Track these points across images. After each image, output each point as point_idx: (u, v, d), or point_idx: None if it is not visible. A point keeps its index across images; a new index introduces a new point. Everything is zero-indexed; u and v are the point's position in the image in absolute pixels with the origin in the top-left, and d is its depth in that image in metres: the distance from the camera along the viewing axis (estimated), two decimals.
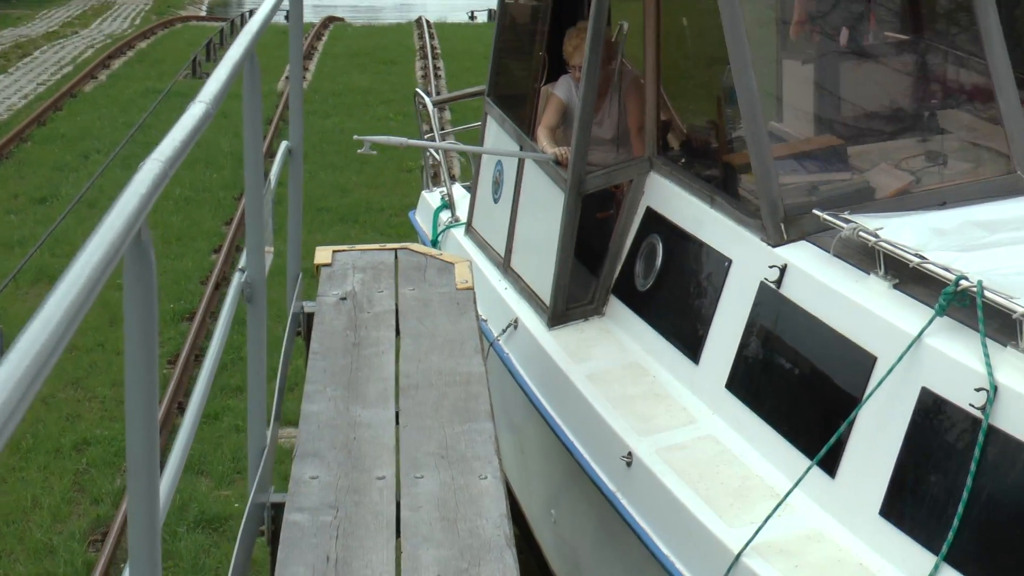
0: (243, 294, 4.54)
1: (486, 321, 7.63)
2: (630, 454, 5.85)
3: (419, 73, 25.58)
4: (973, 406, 4.75)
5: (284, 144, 6.04)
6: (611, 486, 6.01)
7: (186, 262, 12.91)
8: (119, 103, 21.36)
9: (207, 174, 16.32)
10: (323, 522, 4.57)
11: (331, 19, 36.23)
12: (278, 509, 4.85)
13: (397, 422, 5.19)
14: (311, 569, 4.32)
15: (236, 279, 4.59)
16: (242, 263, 4.72)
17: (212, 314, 11.10)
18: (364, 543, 4.52)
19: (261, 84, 4.63)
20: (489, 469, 4.89)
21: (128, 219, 2.34)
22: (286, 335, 5.87)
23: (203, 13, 42.30)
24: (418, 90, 10.68)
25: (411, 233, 10.57)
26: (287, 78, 24.10)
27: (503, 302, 7.69)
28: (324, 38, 31.56)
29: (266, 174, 5.31)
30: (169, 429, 8.59)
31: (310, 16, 38.78)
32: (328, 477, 4.81)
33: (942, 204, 5.92)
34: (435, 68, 25.62)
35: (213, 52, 25.63)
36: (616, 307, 7.06)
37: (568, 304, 7.06)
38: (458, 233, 8.92)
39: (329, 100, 22.32)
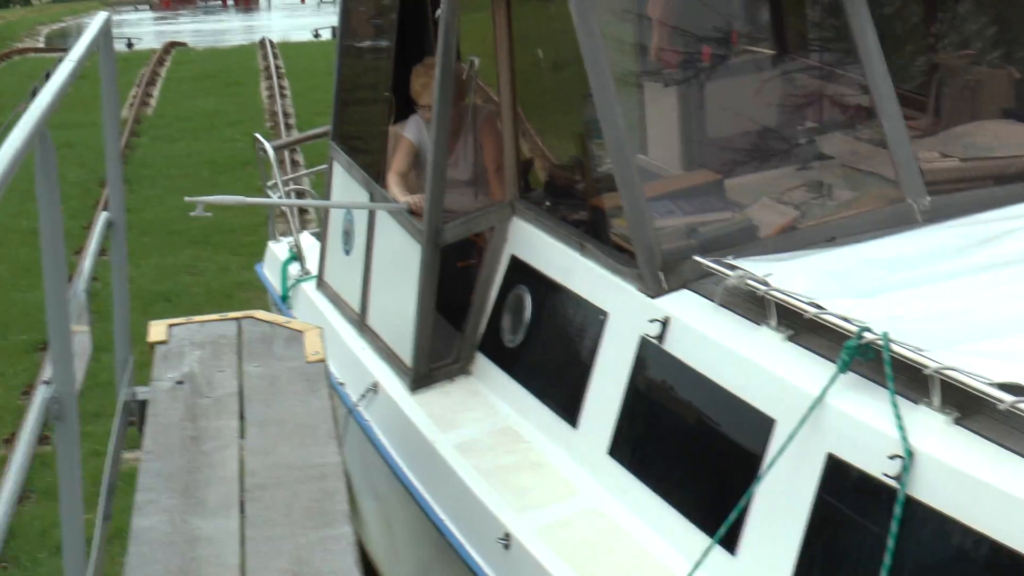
0: (49, 412, 3.99)
1: (343, 385, 7.32)
2: (507, 535, 5.51)
3: (265, 93, 26.18)
4: (887, 475, 4.38)
5: (104, 216, 5.53)
6: (488, 571, 5.70)
7: (37, 294, 13.12)
8: None
9: None
10: None
11: (172, 44, 36.21)
12: None
13: (242, 528, 4.75)
14: None
15: (40, 394, 4.02)
16: (47, 375, 4.17)
17: None
18: None
19: (56, 166, 4.09)
20: None
21: None
22: (115, 428, 5.44)
23: (41, 44, 42.03)
24: (257, 135, 10.44)
25: (262, 251, 10.60)
26: (131, 105, 23.89)
27: (361, 364, 7.33)
28: (167, 63, 32.73)
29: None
30: None
31: (151, 42, 38.25)
32: None
33: (831, 240, 5.69)
34: (280, 87, 26.14)
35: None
36: (484, 365, 6.70)
37: (431, 364, 6.72)
38: (309, 288, 8.69)
39: (175, 124, 22.79)
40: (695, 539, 5.08)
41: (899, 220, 5.73)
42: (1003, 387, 4.30)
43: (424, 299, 6.64)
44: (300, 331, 6.26)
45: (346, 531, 4.68)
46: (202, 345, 6.09)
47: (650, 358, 5.53)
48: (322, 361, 5.90)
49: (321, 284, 8.44)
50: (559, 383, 6.12)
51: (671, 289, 5.55)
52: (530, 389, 6.25)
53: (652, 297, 5.56)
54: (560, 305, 6.29)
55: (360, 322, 7.55)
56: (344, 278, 8.01)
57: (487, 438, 6.22)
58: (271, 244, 10.07)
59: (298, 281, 8.84)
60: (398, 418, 6.74)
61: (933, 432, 4.40)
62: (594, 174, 6.61)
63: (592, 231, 6.23)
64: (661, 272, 5.57)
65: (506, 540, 5.54)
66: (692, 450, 5.45)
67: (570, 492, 5.71)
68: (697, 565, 4.93)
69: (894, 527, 4.36)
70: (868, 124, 6.25)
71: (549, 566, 5.37)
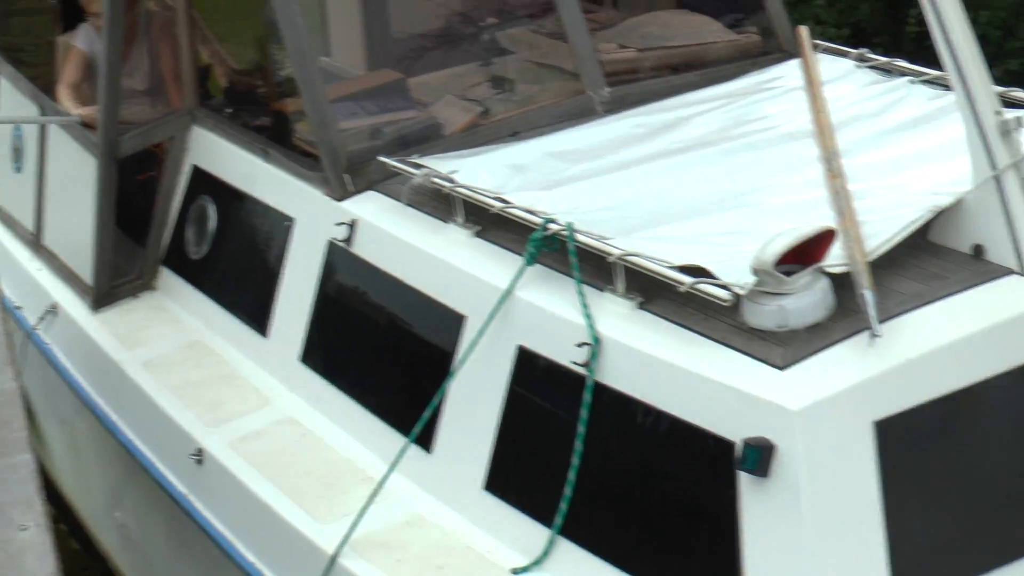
0: None
1: (21, 309, 7.22)
2: (200, 451, 5.64)
3: None
4: (576, 363, 4.65)
5: None
6: (181, 488, 5.81)
7: None
8: None
9: None
10: None
11: None
12: None
13: None
14: None
15: None
16: None
17: None
18: None
19: None
20: (31, 516, 4.47)
21: None
22: None
23: None
24: None
25: None
26: None
27: (38, 285, 7.25)
28: None
29: None
30: None
31: None
32: None
33: (515, 135, 5.91)
34: None
35: None
36: (169, 280, 6.78)
37: (113, 281, 6.71)
38: None
39: None
40: (393, 441, 5.22)
41: (580, 112, 5.96)
42: (682, 269, 4.53)
43: (103, 215, 6.58)
44: None
45: (25, 459, 4.63)
46: None
47: (339, 262, 5.68)
48: None
49: None
50: (247, 293, 6.21)
51: (358, 191, 5.67)
52: (218, 301, 6.36)
53: (338, 200, 5.65)
54: (245, 214, 6.34)
55: (35, 242, 7.41)
56: (16, 197, 7.79)
57: (175, 354, 6.30)
58: None
59: None
60: (80, 339, 6.76)
61: (618, 318, 4.69)
62: (276, 78, 6.66)
63: (275, 137, 6.31)
64: (347, 174, 5.66)
65: (199, 456, 5.58)
66: (385, 352, 5.59)
67: (263, 403, 5.86)
68: (393, 466, 5.06)
69: (584, 413, 4.63)
70: (548, 18, 6.42)
71: (244, 478, 5.43)
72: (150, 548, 6.93)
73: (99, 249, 6.73)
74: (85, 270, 6.84)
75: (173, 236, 6.84)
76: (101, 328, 6.66)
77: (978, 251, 4.95)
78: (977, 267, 4.87)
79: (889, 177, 5.45)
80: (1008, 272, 4.80)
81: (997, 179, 4.86)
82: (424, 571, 5.05)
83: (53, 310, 7.00)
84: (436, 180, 5.41)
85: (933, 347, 4.54)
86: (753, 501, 4.45)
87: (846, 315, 4.59)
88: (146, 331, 6.60)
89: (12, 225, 7.89)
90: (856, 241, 4.67)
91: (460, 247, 5.34)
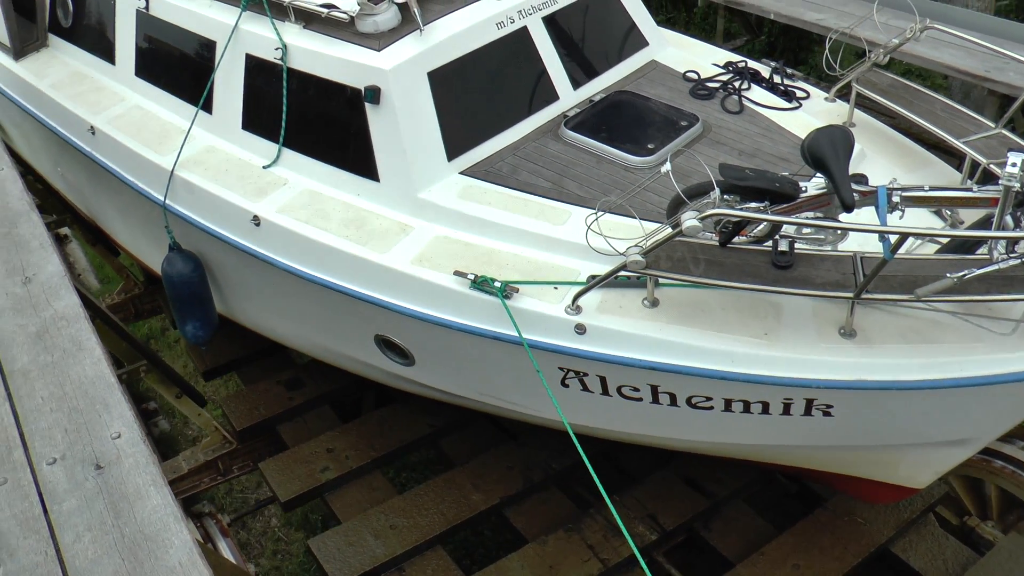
0: None
1: None
2: (92, 128, 6.73)
3: None
4: (276, 59, 5.92)
5: None
6: (87, 147, 6.86)
7: None
8: None
9: None
10: None
11: None
12: None
13: None
14: None
15: None
16: None
17: None
18: None
19: None
20: (2, 163, 5.52)
21: None
22: None
23: None
24: None
25: None
26: None
27: None
28: None
29: None
30: None
31: None
32: None
33: None
34: None
35: None
36: (54, 40, 7.78)
37: (23, 44, 7.78)
38: None
39: None
40: (189, 110, 6.46)
41: None
42: (322, 5, 5.86)
43: (6, 4, 7.78)
44: None
45: None
46: None
47: (144, 21, 6.75)
48: None
49: None
50: (99, 42, 7.24)
51: None
52: (84, 48, 7.45)
53: None
54: None
55: None
56: None
57: (66, 78, 7.40)
58: None
59: None
60: (12, 76, 7.78)
61: (295, 34, 5.95)
62: None
63: None
64: None
65: (92, 130, 6.61)
66: (179, 63, 6.47)
67: (121, 99, 6.92)
68: (192, 123, 6.23)
69: (284, 84, 5.76)
70: None
71: (120, 138, 6.42)
72: (80, 186, 7.89)
73: (9, 24, 7.71)
74: (4, 38, 7.87)
75: (50, 14, 7.76)
76: (22, 69, 7.71)
77: None
78: None
79: None
80: None
81: None
82: (217, 173, 6.03)
83: None
84: None
85: (451, 34, 5.80)
86: (375, 116, 5.61)
87: (408, 23, 5.83)
88: (48, 68, 7.58)
89: None
90: None
91: (203, 6, 6.38)
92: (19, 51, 7.74)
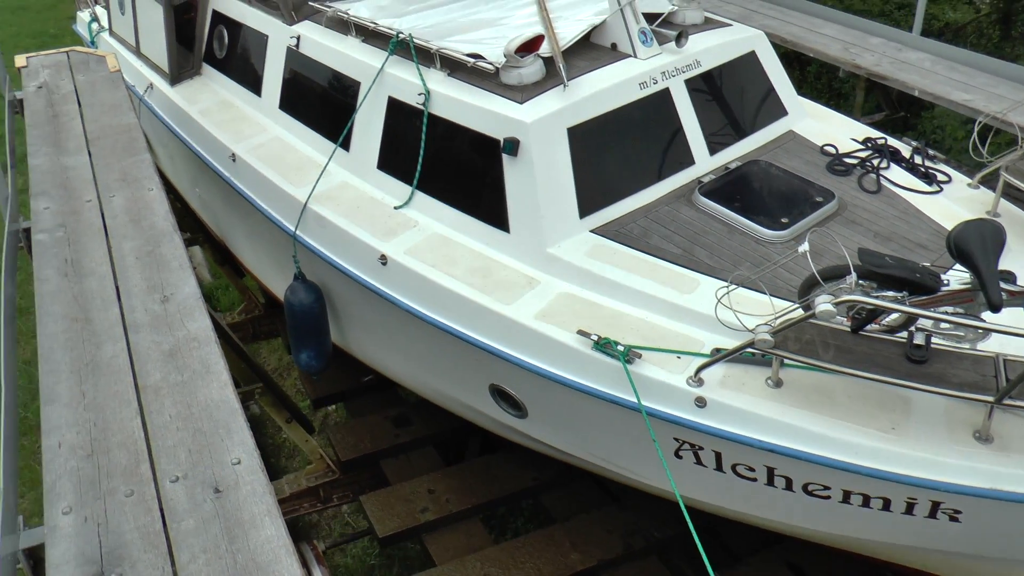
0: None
1: (134, 86, 8.38)
2: (233, 155, 6.86)
3: None
4: (419, 104, 5.90)
5: None
6: (226, 173, 6.96)
7: None
8: None
9: None
10: (58, 237, 5.01)
11: None
12: (28, 233, 5.23)
13: (91, 160, 5.83)
14: (56, 270, 4.73)
15: None
16: None
17: None
18: (88, 247, 4.97)
19: None
20: (153, 183, 5.61)
21: None
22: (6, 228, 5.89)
23: None
24: None
25: (77, 39, 10.90)
26: None
27: (140, 73, 8.43)
28: None
29: None
30: None
31: None
32: (55, 206, 5.27)
33: None
34: None
35: None
36: (208, 70, 7.99)
37: (180, 70, 8.00)
38: (105, 35, 9.53)
39: None
40: (329, 146, 6.48)
41: None
42: (469, 55, 5.91)
43: (168, 33, 7.97)
44: (103, 56, 7.30)
45: (147, 157, 5.88)
46: (49, 66, 7.10)
47: (294, 57, 6.85)
48: (118, 71, 7.10)
49: (111, 33, 9.34)
50: (248, 74, 7.40)
51: (299, 20, 6.91)
52: (234, 79, 7.59)
53: (290, 25, 6.83)
54: (242, 33, 7.46)
55: (136, 50, 8.65)
56: (124, 26, 8.94)
57: (214, 106, 7.54)
58: (79, 12, 10.50)
59: (99, 32, 9.46)
60: (166, 100, 8.00)
61: (438, 82, 5.97)
62: None
63: None
64: (292, 11, 6.87)
65: (233, 158, 6.71)
66: (323, 101, 6.53)
67: (262, 129, 6.98)
68: (330, 158, 6.28)
69: (424, 128, 5.79)
70: None
71: (259, 168, 6.48)
72: (215, 208, 8.05)
73: (171, 52, 7.84)
74: (164, 64, 8.00)
75: (207, 46, 7.90)
76: (176, 94, 7.86)
77: (613, 47, 6.14)
78: (614, 55, 6.07)
79: (568, 11, 6.55)
80: (627, 56, 6.07)
81: (621, 9, 6.01)
82: (349, 210, 6.01)
83: (151, 86, 8.16)
84: (340, 12, 6.52)
85: (594, 91, 5.75)
86: (511, 168, 5.56)
87: (552, 78, 5.79)
88: (199, 95, 7.74)
89: (124, 43, 8.85)
90: (554, 41, 5.86)
91: (354, 48, 6.42)
92: (175, 77, 7.95)
